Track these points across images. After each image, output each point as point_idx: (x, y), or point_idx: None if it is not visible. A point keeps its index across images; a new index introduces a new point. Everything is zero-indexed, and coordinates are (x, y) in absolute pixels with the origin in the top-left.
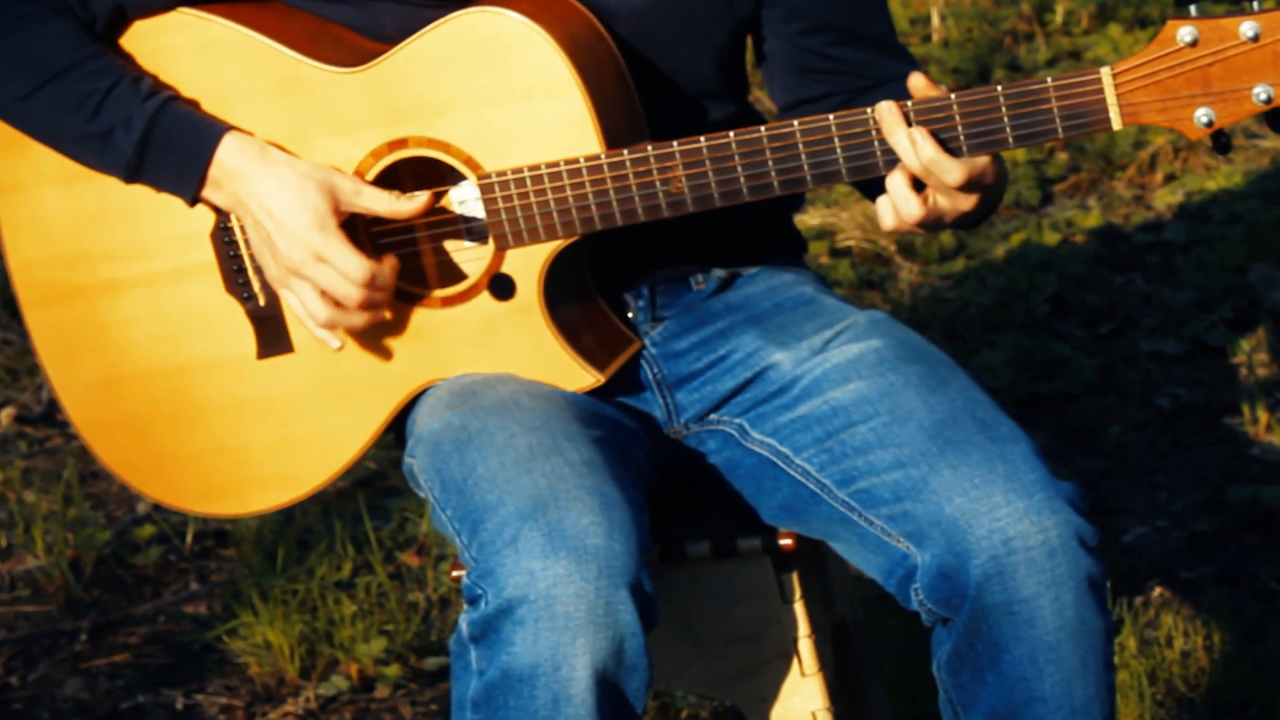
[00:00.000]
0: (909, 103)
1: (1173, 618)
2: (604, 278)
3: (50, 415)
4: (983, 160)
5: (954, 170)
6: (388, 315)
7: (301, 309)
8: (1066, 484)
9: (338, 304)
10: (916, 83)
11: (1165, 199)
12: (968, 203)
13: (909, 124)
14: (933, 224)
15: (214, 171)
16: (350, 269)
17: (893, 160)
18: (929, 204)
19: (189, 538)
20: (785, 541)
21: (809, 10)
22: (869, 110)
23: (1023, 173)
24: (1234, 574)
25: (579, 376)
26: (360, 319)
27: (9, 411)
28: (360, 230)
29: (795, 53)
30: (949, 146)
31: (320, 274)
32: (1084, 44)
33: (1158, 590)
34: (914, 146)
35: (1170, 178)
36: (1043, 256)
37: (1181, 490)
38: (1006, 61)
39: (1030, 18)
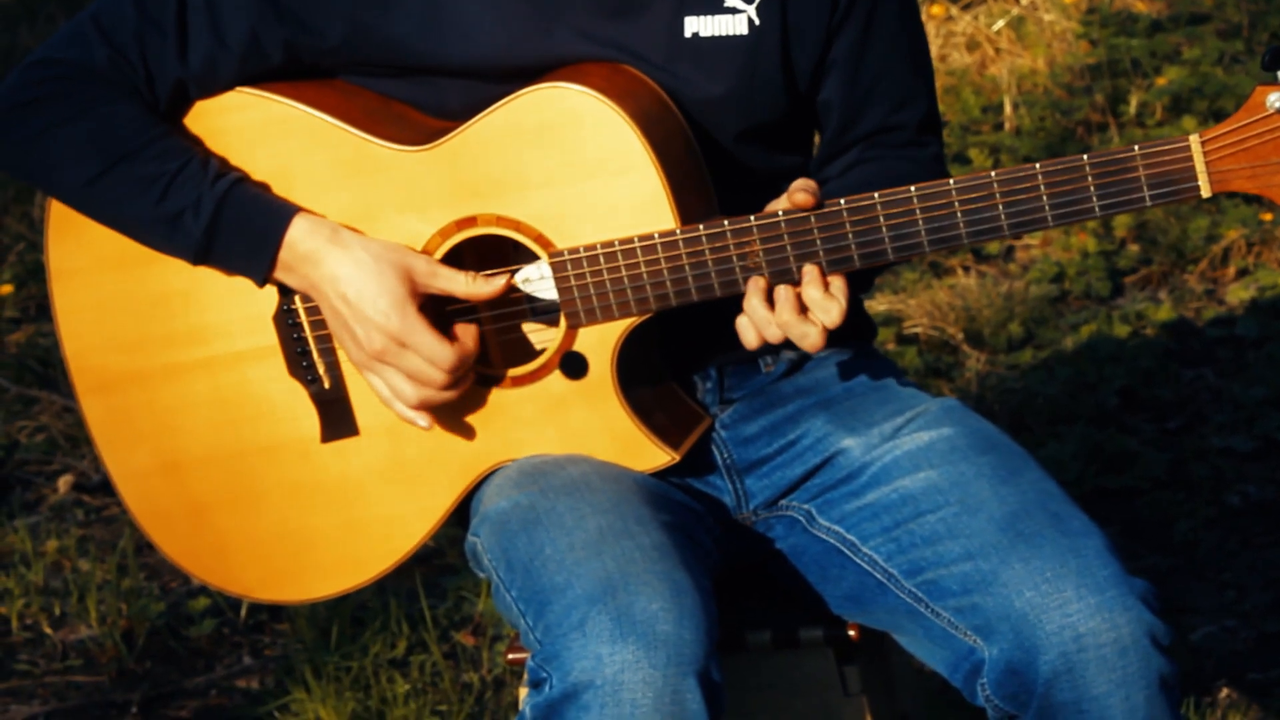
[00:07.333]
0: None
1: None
2: (672, 359)
3: (108, 484)
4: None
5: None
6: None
7: (387, 391)
8: (1139, 581)
9: (424, 385)
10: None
11: (1238, 293)
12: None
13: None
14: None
15: (284, 254)
16: (437, 355)
17: (979, 232)
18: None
19: (243, 611)
20: (849, 633)
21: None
22: (951, 181)
23: (1093, 264)
24: None
25: (653, 455)
26: (448, 395)
27: (67, 479)
28: (428, 306)
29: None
30: (1025, 219)
31: (405, 360)
32: (1157, 135)
33: (1225, 691)
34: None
35: (1243, 272)
36: (1112, 349)
37: (1251, 589)
38: (1079, 151)
39: (1104, 108)
